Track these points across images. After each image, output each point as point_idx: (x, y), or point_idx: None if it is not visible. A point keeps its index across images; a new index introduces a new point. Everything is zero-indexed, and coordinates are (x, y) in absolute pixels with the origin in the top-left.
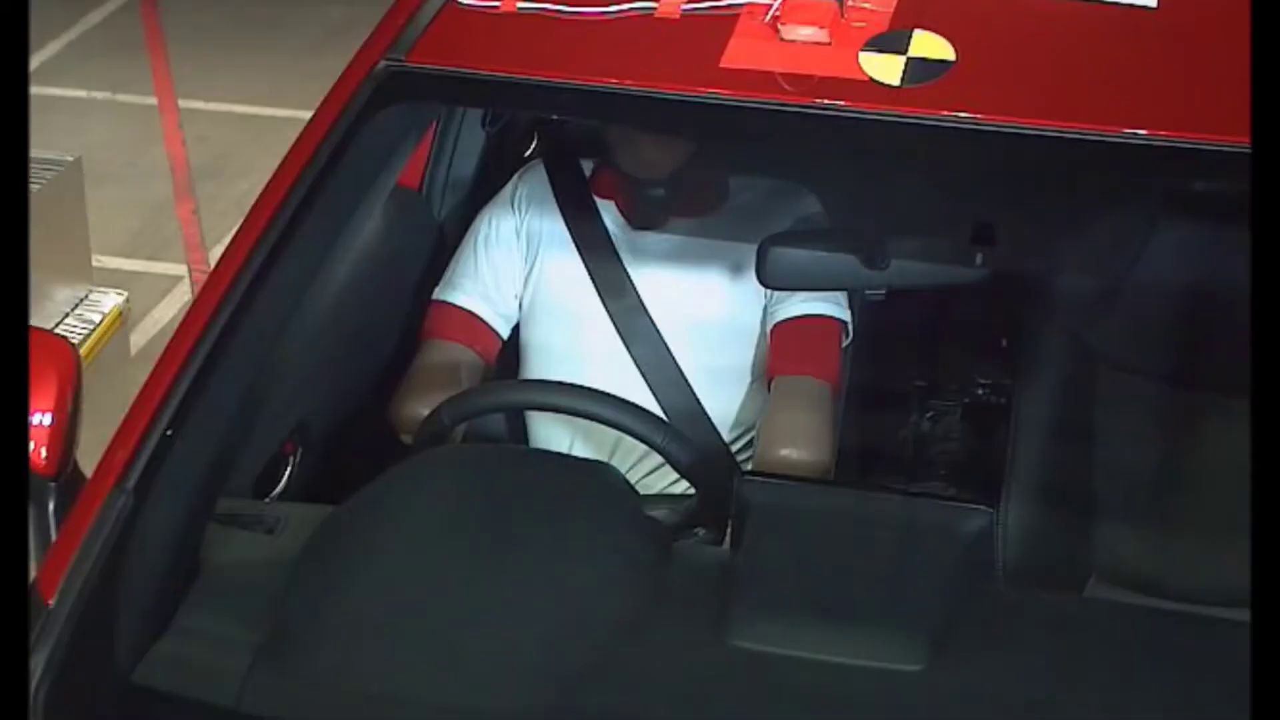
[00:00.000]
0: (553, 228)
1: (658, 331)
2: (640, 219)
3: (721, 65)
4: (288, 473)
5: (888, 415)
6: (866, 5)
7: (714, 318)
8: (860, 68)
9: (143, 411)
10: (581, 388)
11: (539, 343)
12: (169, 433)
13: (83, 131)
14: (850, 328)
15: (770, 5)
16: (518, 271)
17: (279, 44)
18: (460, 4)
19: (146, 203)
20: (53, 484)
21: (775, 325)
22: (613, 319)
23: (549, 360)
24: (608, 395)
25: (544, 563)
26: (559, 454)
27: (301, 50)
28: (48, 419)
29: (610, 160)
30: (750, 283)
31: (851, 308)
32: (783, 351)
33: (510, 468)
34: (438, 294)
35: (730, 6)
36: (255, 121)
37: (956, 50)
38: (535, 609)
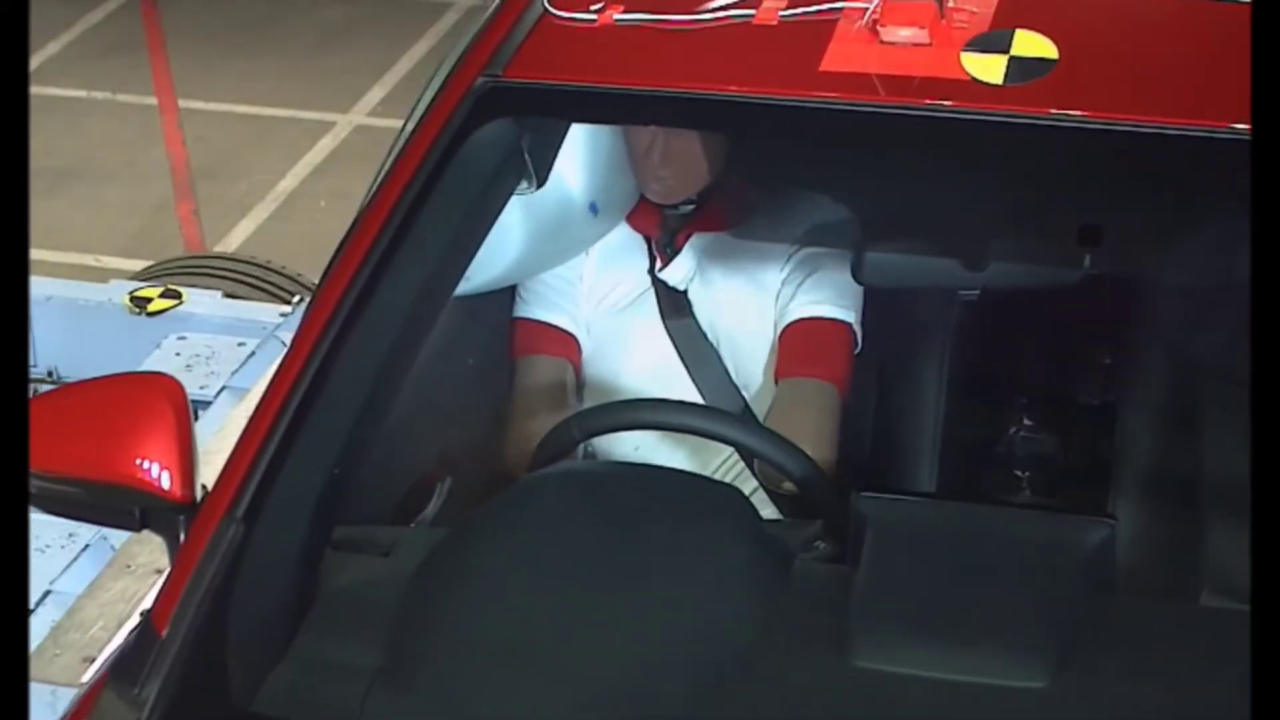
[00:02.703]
0: (613, 243)
1: (713, 347)
2: (667, 247)
3: (821, 69)
4: (434, 500)
5: (988, 429)
6: (967, 5)
7: (752, 329)
8: (962, 68)
9: (252, 439)
10: (718, 410)
11: (597, 357)
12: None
13: (83, 131)
14: (859, 334)
15: (869, 7)
16: (587, 286)
17: (279, 44)
18: (556, 17)
19: (146, 203)
20: (182, 516)
21: (785, 327)
22: (670, 335)
23: (608, 375)
24: (745, 419)
25: (663, 581)
26: (676, 470)
27: (301, 50)
28: (171, 451)
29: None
30: (772, 292)
31: (939, 316)
32: (790, 353)
33: (627, 485)
34: (523, 312)
35: (829, 10)
36: (255, 121)
37: (1059, 48)
38: (654, 628)
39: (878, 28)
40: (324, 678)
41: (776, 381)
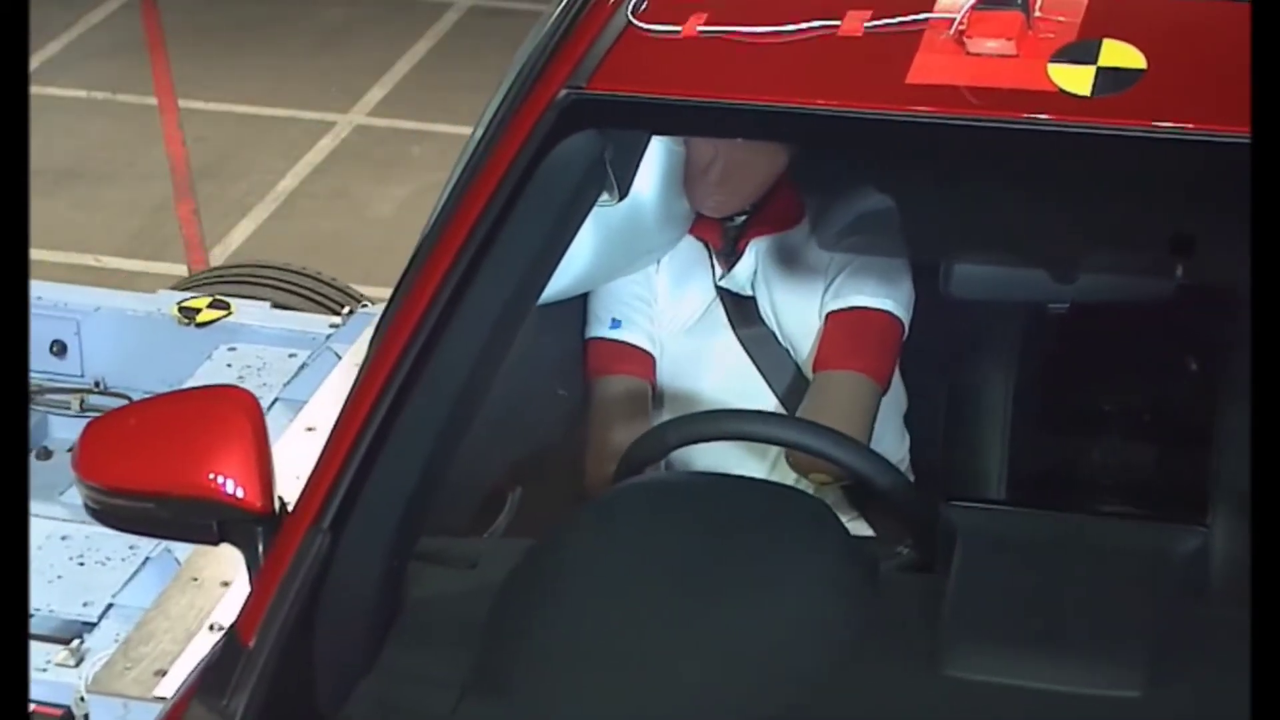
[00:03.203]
0: (680, 256)
1: (785, 350)
2: (729, 255)
3: (908, 81)
4: (506, 510)
5: (1076, 438)
6: (1054, 15)
7: (814, 328)
8: (1050, 79)
9: (337, 449)
10: (809, 424)
11: (672, 374)
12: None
13: (83, 132)
14: (905, 322)
15: (955, 18)
16: (661, 304)
17: (279, 44)
18: (640, 30)
19: (146, 203)
20: (260, 528)
21: (832, 314)
22: (743, 344)
23: (685, 390)
24: (841, 434)
25: (752, 591)
26: (761, 480)
27: (301, 50)
28: (249, 464)
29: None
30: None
31: (1015, 322)
32: (828, 345)
33: (714, 495)
34: (599, 331)
35: (914, 22)
36: (255, 121)
37: (1147, 58)
38: (743, 638)
39: (964, 39)
40: (412, 690)
41: (814, 373)
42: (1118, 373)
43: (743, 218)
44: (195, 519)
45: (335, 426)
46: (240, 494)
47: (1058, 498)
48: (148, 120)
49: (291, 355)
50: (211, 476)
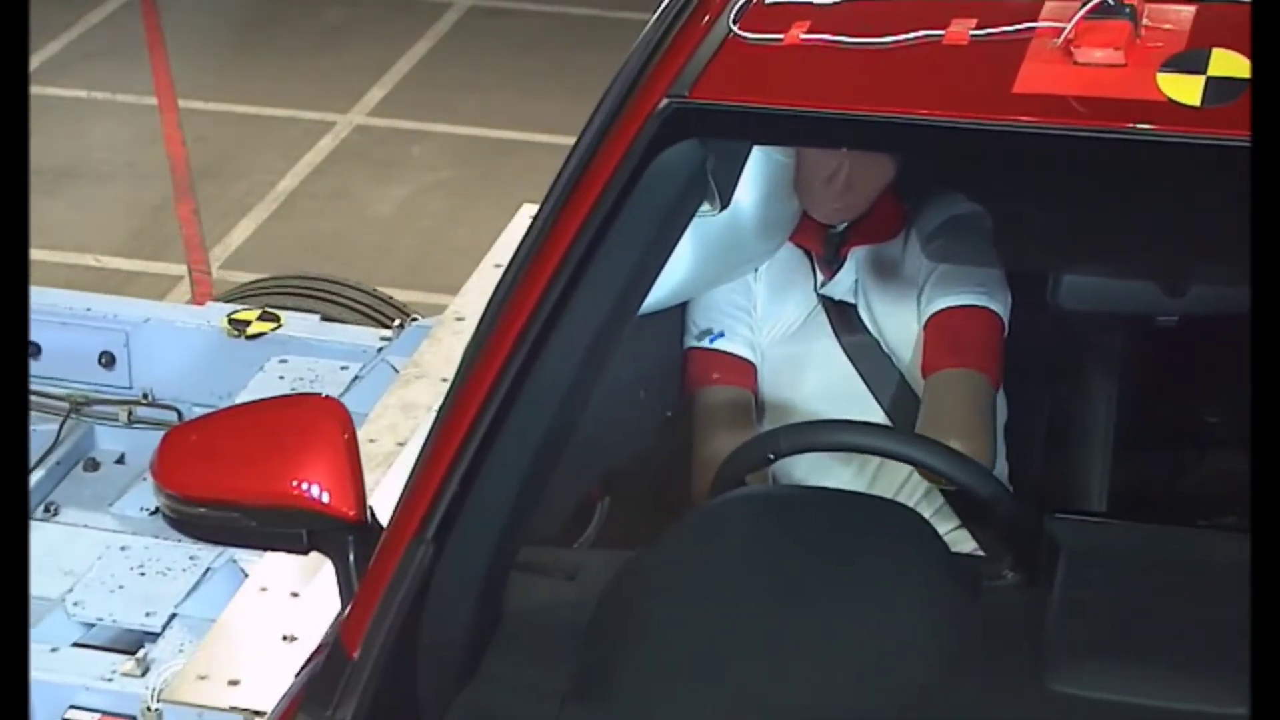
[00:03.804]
0: (779, 264)
1: (889, 359)
2: (831, 262)
3: (1015, 91)
4: (596, 519)
5: (1180, 451)
6: (1162, 24)
7: (915, 334)
8: (1159, 89)
9: (439, 459)
10: (923, 438)
11: (773, 384)
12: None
13: (83, 132)
14: (1005, 319)
15: (1063, 28)
16: (756, 314)
17: (279, 44)
18: (742, 38)
19: (146, 203)
20: (351, 537)
21: (931, 317)
22: (847, 352)
23: (786, 400)
24: (938, 444)
25: (850, 605)
26: (860, 494)
27: (301, 50)
28: (341, 472)
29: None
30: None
31: (1130, 337)
32: (940, 345)
33: (814, 508)
34: (699, 341)
35: (1020, 31)
36: (255, 121)
37: None
38: (843, 652)
39: (1071, 49)
40: (514, 700)
41: (924, 377)
42: (1223, 386)
43: (844, 225)
44: (285, 528)
45: (435, 437)
46: (332, 502)
47: (1161, 511)
48: (148, 120)
49: (343, 368)
50: (303, 485)
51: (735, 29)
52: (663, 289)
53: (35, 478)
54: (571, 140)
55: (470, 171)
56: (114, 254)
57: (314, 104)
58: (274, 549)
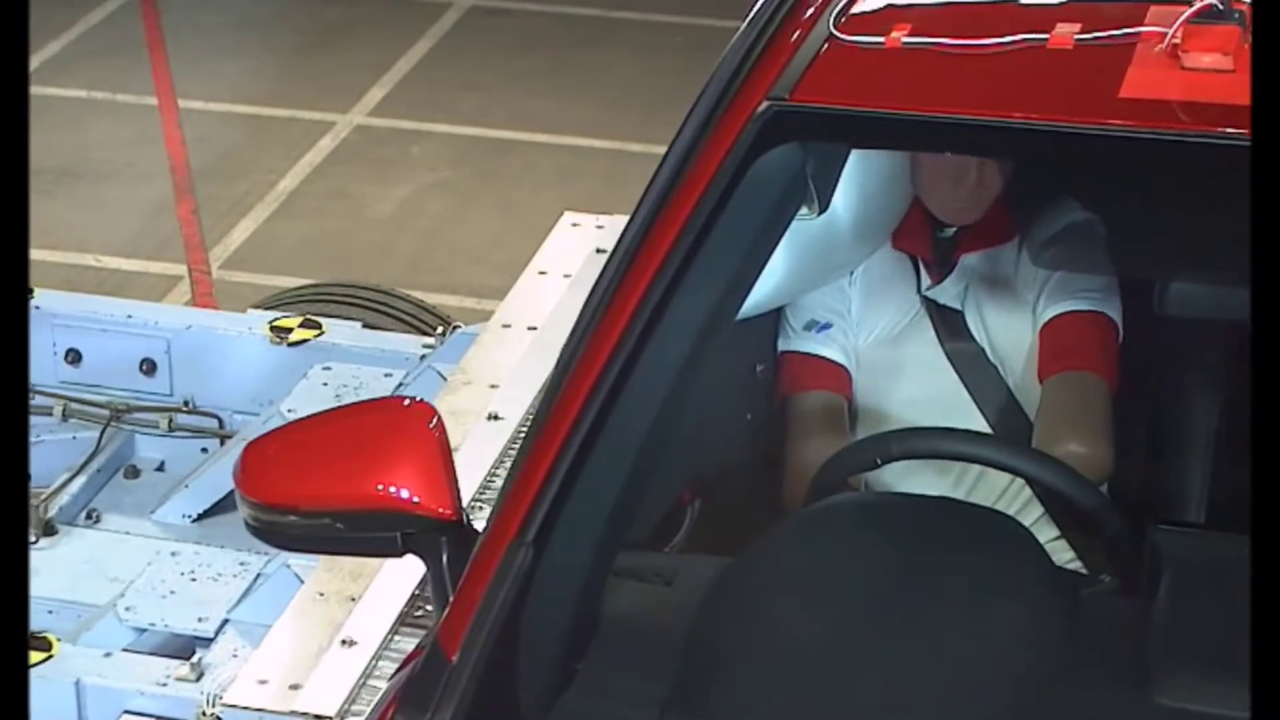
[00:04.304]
0: (877, 267)
1: (995, 368)
2: (939, 266)
3: (1121, 96)
4: (686, 523)
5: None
6: None
7: (1027, 343)
8: None
9: (539, 462)
10: (1041, 453)
11: (869, 388)
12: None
13: (83, 131)
14: (1120, 324)
15: (1169, 32)
16: (850, 320)
17: (279, 44)
18: (842, 41)
19: (146, 203)
20: (444, 538)
21: (1047, 323)
22: (950, 359)
23: (883, 405)
24: (1061, 464)
25: (950, 614)
26: (958, 501)
27: (301, 50)
28: (436, 473)
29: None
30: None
31: (1235, 345)
32: (1057, 349)
33: (913, 515)
34: (793, 345)
35: (1126, 35)
36: (255, 121)
37: None
38: (943, 661)
39: (1178, 53)
40: (612, 706)
41: (1040, 381)
42: None
43: (953, 230)
44: (379, 531)
45: (534, 439)
46: (429, 504)
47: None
48: (148, 120)
49: (387, 375)
50: (397, 488)
51: (835, 31)
52: (758, 293)
53: (76, 485)
54: (571, 140)
55: (470, 171)
56: (114, 254)
57: (314, 104)
58: (366, 554)
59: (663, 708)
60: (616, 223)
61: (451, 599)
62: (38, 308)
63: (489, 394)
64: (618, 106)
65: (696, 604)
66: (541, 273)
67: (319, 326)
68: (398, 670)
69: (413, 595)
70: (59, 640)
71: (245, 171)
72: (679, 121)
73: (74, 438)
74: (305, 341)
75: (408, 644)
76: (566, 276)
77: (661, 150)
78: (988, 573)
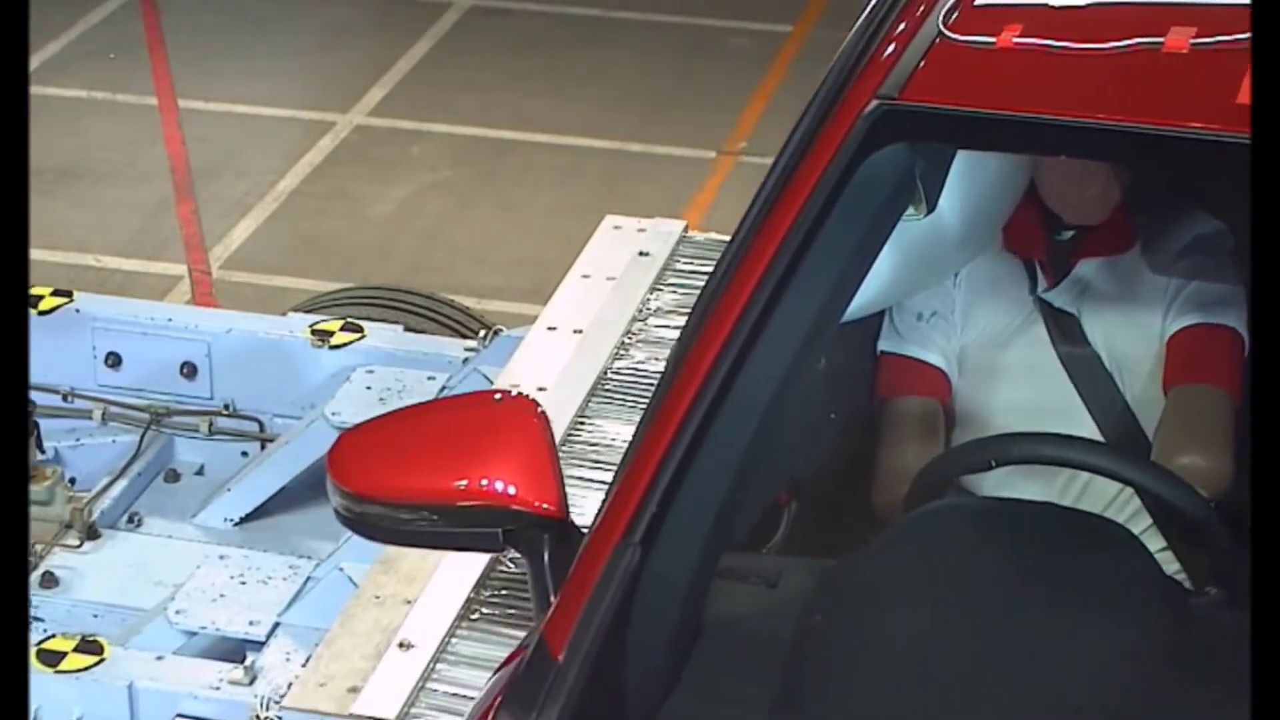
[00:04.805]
0: (986, 269)
1: (1109, 375)
2: (1056, 268)
3: (1239, 101)
4: (783, 524)
5: None
6: None
7: (1149, 353)
8: None
9: (647, 462)
10: (1158, 466)
11: (979, 401)
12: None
13: (83, 131)
14: (1246, 338)
15: None
16: (955, 322)
17: (279, 44)
18: (952, 40)
19: (146, 203)
20: (546, 535)
21: (1175, 334)
22: (1063, 363)
23: (989, 407)
24: (1175, 476)
25: (1058, 621)
26: (1075, 510)
27: (301, 50)
28: (542, 469)
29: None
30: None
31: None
32: (1184, 360)
33: (1020, 521)
34: (893, 347)
35: (1242, 40)
36: (255, 121)
37: None
38: (1051, 670)
39: None
40: (719, 709)
41: (1165, 392)
42: None
43: (1070, 233)
44: (481, 527)
45: (641, 439)
46: (534, 500)
47: None
48: (148, 120)
49: (430, 378)
50: (498, 484)
51: (945, 30)
52: (861, 296)
53: (117, 489)
54: (571, 140)
55: (470, 171)
56: (114, 254)
57: (314, 104)
58: (464, 549)
59: (770, 711)
60: (658, 225)
61: (556, 597)
62: (78, 311)
63: (537, 397)
64: (618, 106)
65: (802, 607)
66: (585, 276)
67: (360, 330)
68: (498, 669)
69: (468, 598)
70: (109, 644)
71: (245, 171)
72: (679, 121)
73: (114, 441)
74: (347, 345)
75: (465, 647)
76: (610, 279)
77: (661, 150)
78: (1098, 579)
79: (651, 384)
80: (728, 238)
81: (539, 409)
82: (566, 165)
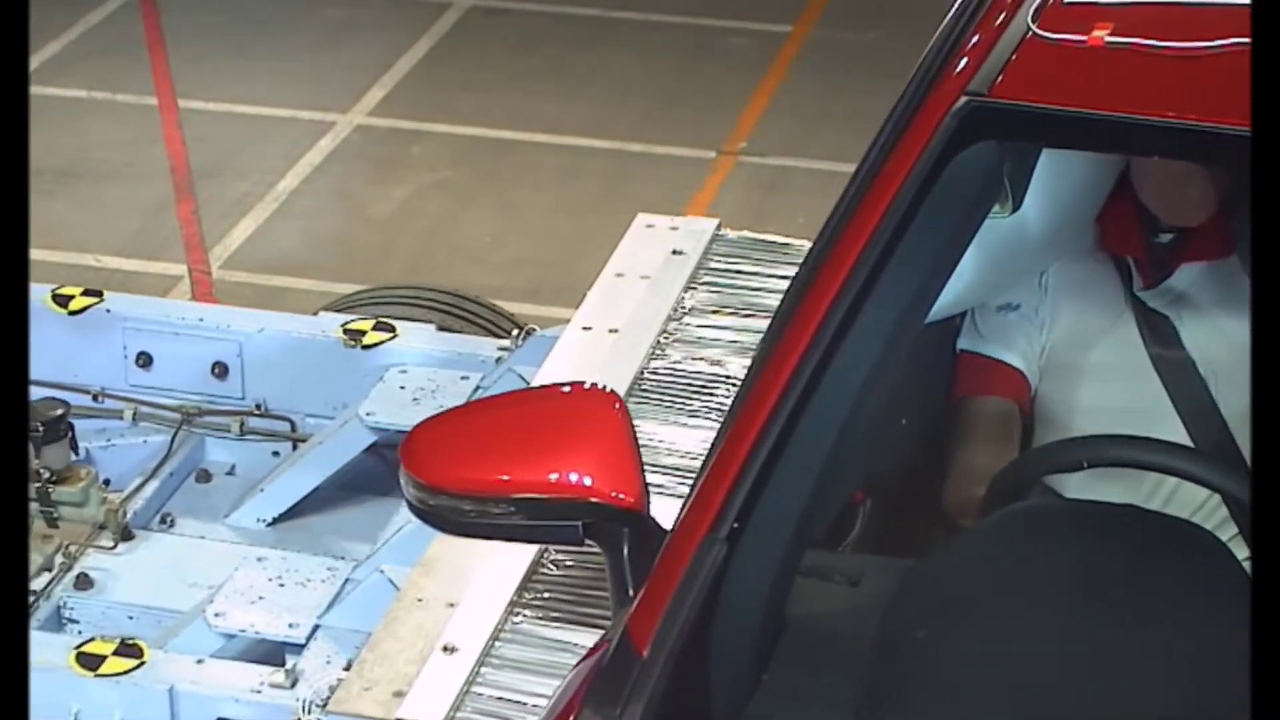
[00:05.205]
0: (1077, 269)
1: (1203, 381)
2: (1155, 269)
3: None
4: (859, 522)
5: None
6: None
7: (1234, 363)
8: None
9: (732, 457)
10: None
11: (1062, 401)
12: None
13: (83, 131)
14: None
15: None
16: (1039, 322)
17: (279, 43)
18: (1042, 38)
19: (146, 203)
20: (626, 529)
21: None
22: (1156, 366)
23: (1074, 407)
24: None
25: (1145, 627)
26: (1154, 512)
27: (301, 50)
28: (624, 461)
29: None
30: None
31: None
32: None
33: (1102, 526)
34: (973, 345)
35: None
36: (255, 121)
37: None
38: (1138, 676)
39: None
40: (807, 710)
41: None
42: None
43: (1170, 235)
44: (562, 519)
45: (727, 434)
46: (614, 493)
47: None
48: (148, 120)
49: (464, 378)
50: (579, 476)
51: (1034, 28)
52: (943, 296)
53: (149, 489)
54: (571, 140)
55: (470, 171)
56: (114, 254)
57: (314, 104)
58: (542, 542)
59: (856, 712)
60: (690, 224)
61: (635, 591)
62: (108, 311)
63: None
64: (618, 106)
65: (886, 606)
66: (619, 275)
67: (392, 329)
68: (578, 663)
69: (511, 601)
70: (149, 647)
71: (245, 171)
72: (679, 121)
73: (144, 441)
74: (379, 344)
75: (510, 650)
76: (644, 278)
77: (661, 150)
78: (1186, 586)
79: (689, 384)
80: (762, 236)
81: (619, 401)
82: (566, 165)
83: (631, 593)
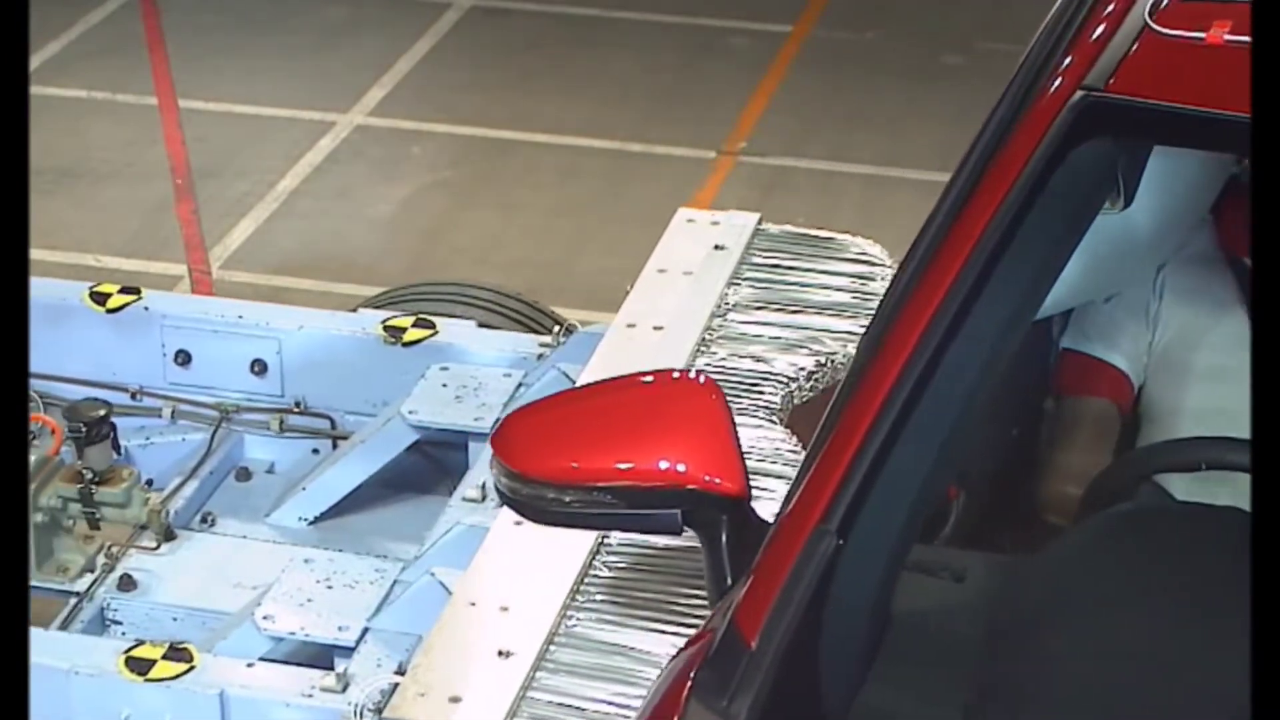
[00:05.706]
0: (1186, 276)
1: None
2: None
3: None
4: (953, 516)
5: None
6: None
7: None
8: None
9: (843, 450)
10: None
11: (1169, 402)
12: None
13: (82, 131)
14: None
15: None
16: (1150, 321)
17: (279, 43)
18: (1159, 33)
19: (146, 203)
20: (725, 516)
21: None
22: None
23: (1184, 407)
24: None
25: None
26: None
27: (302, 50)
28: (723, 449)
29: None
30: None
31: None
32: None
33: (1209, 528)
34: (1078, 344)
35: None
36: (255, 121)
37: None
38: (1243, 681)
39: None
40: (914, 706)
41: None
42: None
43: None
44: (660, 508)
45: (836, 426)
46: (716, 481)
47: None
48: (148, 120)
49: (506, 375)
50: (679, 464)
51: (1151, 23)
52: (1055, 292)
53: (189, 488)
54: (571, 140)
55: (470, 171)
56: (114, 254)
57: (314, 104)
58: (639, 530)
59: (966, 710)
60: (731, 219)
61: (734, 580)
62: (146, 309)
63: None
64: (618, 106)
65: (993, 602)
66: (661, 271)
67: (433, 326)
68: (678, 653)
69: (564, 604)
70: (198, 651)
71: (245, 171)
72: (679, 121)
73: (183, 439)
74: (419, 341)
75: (565, 655)
76: (687, 274)
77: (661, 150)
78: None
79: (738, 381)
80: (804, 230)
81: (716, 388)
82: (566, 165)
83: (730, 582)
